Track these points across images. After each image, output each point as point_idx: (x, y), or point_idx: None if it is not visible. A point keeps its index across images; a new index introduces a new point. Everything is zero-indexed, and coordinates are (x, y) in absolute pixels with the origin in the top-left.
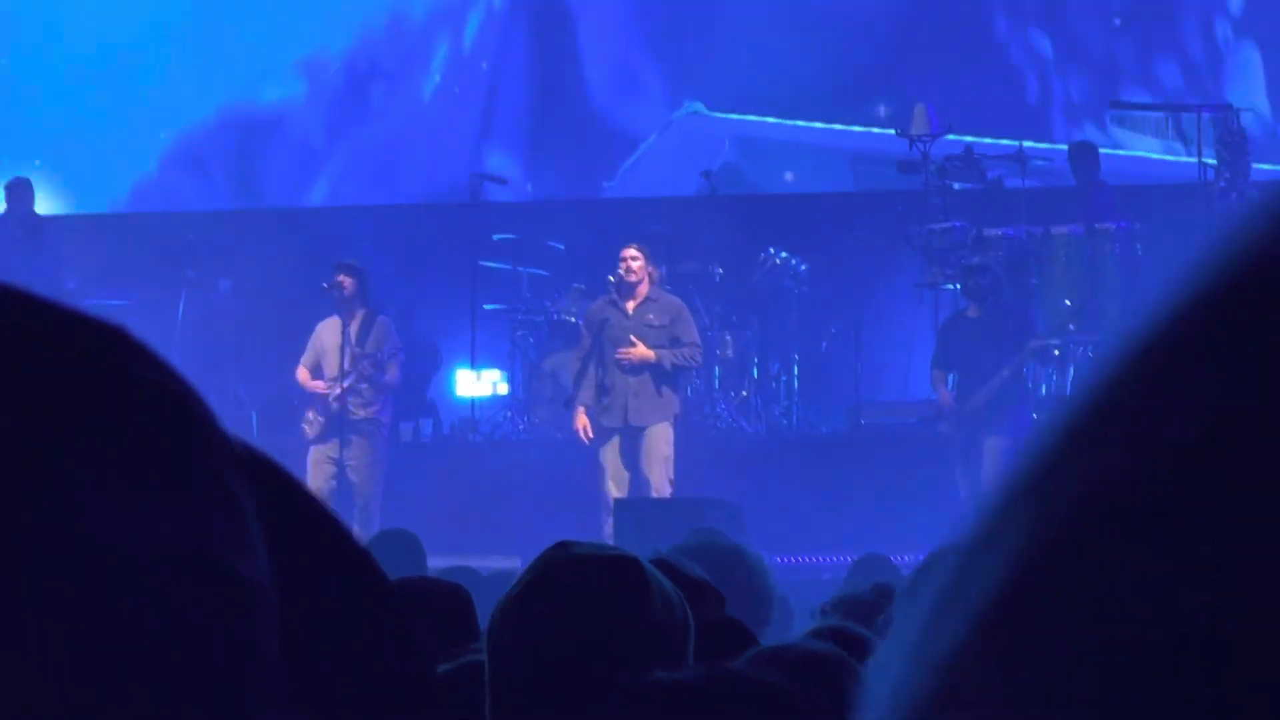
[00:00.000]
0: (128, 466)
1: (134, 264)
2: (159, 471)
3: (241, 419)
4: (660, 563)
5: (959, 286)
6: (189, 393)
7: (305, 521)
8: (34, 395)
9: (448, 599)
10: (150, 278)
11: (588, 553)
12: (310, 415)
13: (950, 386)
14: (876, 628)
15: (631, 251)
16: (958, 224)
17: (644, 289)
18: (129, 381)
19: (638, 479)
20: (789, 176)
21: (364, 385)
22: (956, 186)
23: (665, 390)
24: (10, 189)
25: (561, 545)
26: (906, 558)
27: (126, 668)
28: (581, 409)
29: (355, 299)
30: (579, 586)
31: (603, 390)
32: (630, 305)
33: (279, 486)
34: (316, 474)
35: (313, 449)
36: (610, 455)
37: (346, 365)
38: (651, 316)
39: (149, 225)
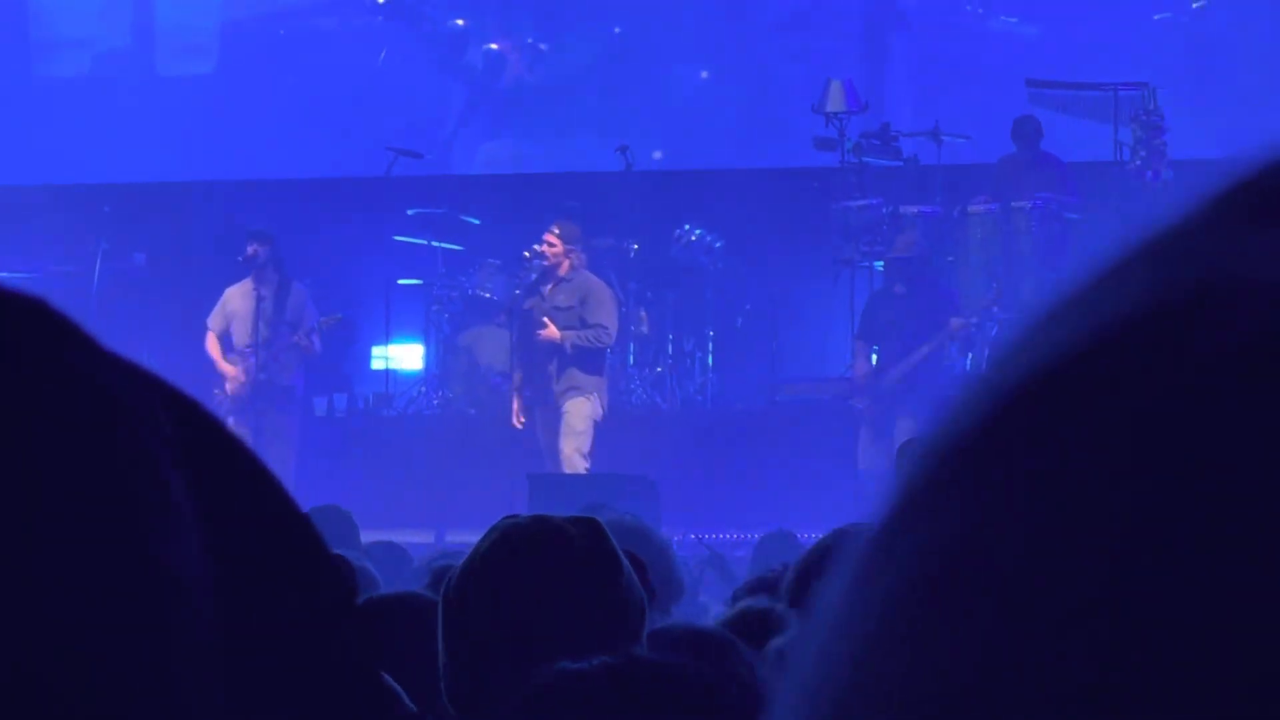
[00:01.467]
0: (43, 454)
1: (46, 236)
2: (77, 459)
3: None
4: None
5: (883, 264)
6: (113, 368)
7: (246, 485)
8: None
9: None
10: (64, 250)
11: (554, 521)
12: (226, 385)
13: (871, 360)
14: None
15: (550, 235)
16: (874, 201)
17: (563, 270)
18: (47, 363)
19: (553, 453)
20: (657, 155)
21: (284, 353)
22: (873, 164)
23: (579, 369)
24: None
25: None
26: (817, 534)
27: (49, 663)
28: (515, 395)
29: (269, 266)
30: (546, 554)
31: (527, 371)
32: (548, 288)
33: (221, 450)
34: None
35: (230, 416)
36: (541, 433)
37: (264, 332)
38: (562, 298)
39: (63, 197)
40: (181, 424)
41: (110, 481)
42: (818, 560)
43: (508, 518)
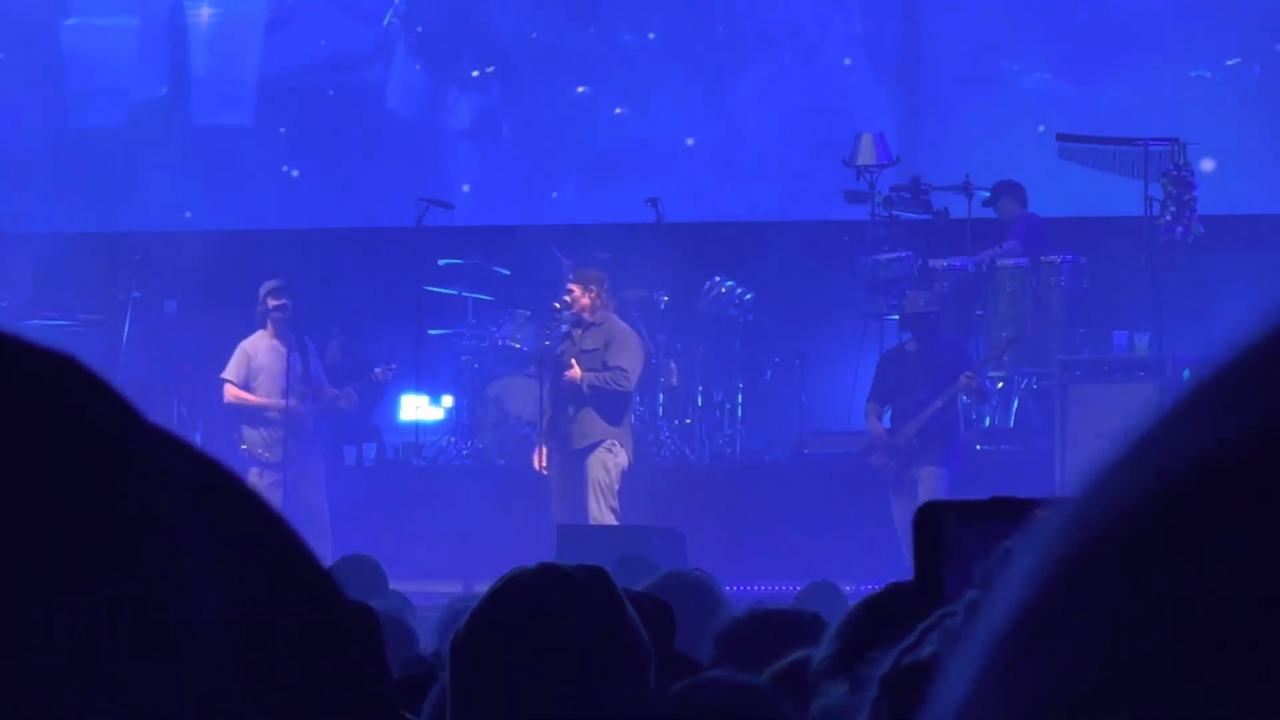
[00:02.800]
0: (63, 510)
1: (79, 283)
2: (95, 515)
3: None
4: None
5: (899, 322)
6: (137, 425)
7: (266, 543)
8: None
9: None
10: (95, 297)
11: (561, 569)
12: (259, 436)
13: (885, 419)
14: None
15: (575, 289)
16: (904, 254)
17: (589, 316)
18: (73, 418)
19: (580, 504)
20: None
21: (310, 405)
22: (903, 217)
23: (600, 416)
24: None
25: (528, 567)
26: (847, 586)
27: (59, 708)
28: (540, 442)
29: (289, 319)
30: (552, 600)
31: (553, 418)
32: (578, 333)
33: (240, 506)
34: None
35: (255, 469)
36: (556, 478)
37: (298, 385)
38: (589, 342)
39: (95, 245)
40: (204, 483)
41: (126, 535)
42: (869, 618)
43: (517, 568)
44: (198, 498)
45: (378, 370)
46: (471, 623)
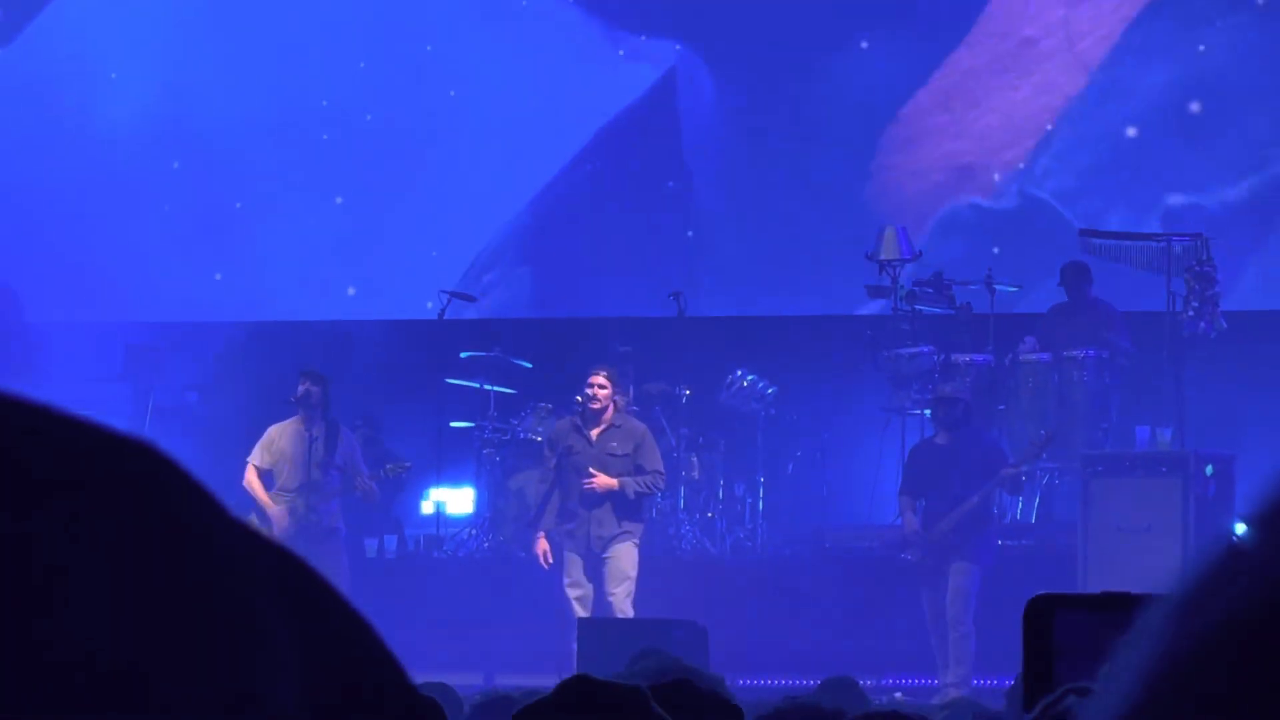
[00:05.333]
0: (151, 598)
1: (101, 372)
2: (183, 604)
3: None
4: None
5: (929, 413)
6: (219, 518)
7: (342, 634)
8: (58, 518)
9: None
10: (118, 385)
11: (603, 683)
12: (271, 525)
13: (918, 513)
14: None
15: (599, 379)
16: (925, 349)
17: (609, 415)
18: (158, 509)
19: (601, 598)
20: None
21: (334, 496)
22: (925, 311)
23: (627, 516)
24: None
25: (581, 677)
26: (869, 681)
27: None
28: (542, 534)
29: (319, 406)
30: (592, 713)
31: (565, 515)
32: (595, 432)
33: (317, 598)
34: None
35: None
36: (574, 576)
37: (316, 474)
38: (615, 445)
39: (117, 334)
40: (283, 574)
41: (211, 626)
42: None
43: (579, 677)
44: (278, 588)
45: (388, 467)
46: None
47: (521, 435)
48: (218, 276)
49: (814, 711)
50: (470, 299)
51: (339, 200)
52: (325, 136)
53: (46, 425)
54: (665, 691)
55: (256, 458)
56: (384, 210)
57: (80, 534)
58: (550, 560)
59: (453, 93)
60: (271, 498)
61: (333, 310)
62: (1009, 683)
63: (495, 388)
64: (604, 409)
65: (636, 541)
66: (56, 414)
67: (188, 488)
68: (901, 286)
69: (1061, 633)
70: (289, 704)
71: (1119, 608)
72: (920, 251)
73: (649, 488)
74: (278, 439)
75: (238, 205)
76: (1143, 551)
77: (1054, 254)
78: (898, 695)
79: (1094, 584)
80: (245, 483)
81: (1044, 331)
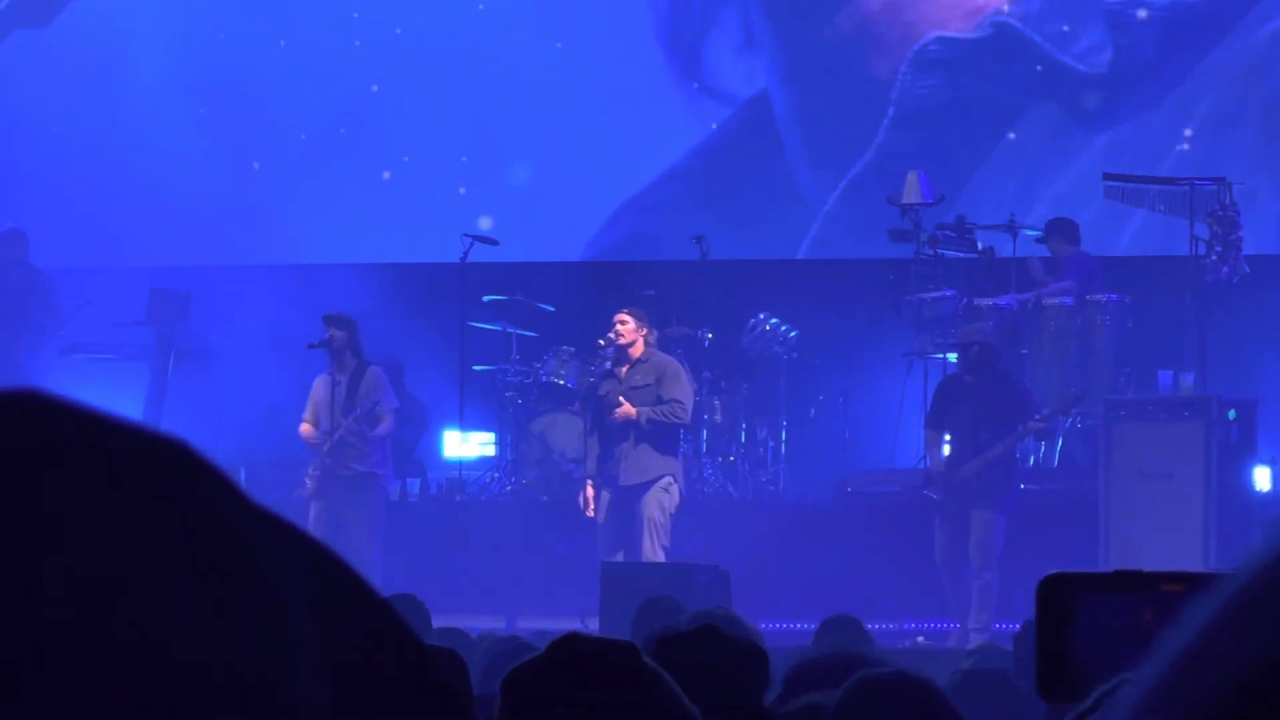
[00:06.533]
0: (177, 592)
1: (125, 316)
2: (210, 596)
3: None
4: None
5: (955, 356)
6: (248, 512)
7: (362, 616)
8: (88, 516)
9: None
10: (142, 330)
11: (592, 642)
12: (310, 470)
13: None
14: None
15: (621, 316)
16: (948, 293)
17: (636, 351)
18: (184, 508)
19: (631, 541)
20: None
21: (353, 438)
22: (947, 255)
23: (654, 450)
24: (4, 239)
25: (571, 634)
26: (890, 625)
27: None
28: (589, 482)
29: (345, 351)
30: (581, 672)
31: (602, 456)
32: (623, 370)
33: (337, 580)
34: (315, 531)
35: (312, 504)
36: (606, 516)
37: (336, 417)
38: (638, 378)
39: (140, 278)
40: (310, 565)
41: (237, 615)
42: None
43: (565, 637)
44: (300, 575)
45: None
46: (509, 685)
47: (544, 379)
48: (240, 221)
49: (826, 668)
50: (493, 242)
51: (352, 137)
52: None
53: (87, 427)
54: (688, 639)
55: (306, 412)
56: (404, 152)
57: (118, 529)
58: (593, 510)
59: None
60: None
61: (355, 254)
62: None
63: (517, 331)
64: (630, 344)
65: (670, 483)
66: (97, 417)
67: (210, 479)
68: (924, 230)
69: (1076, 611)
70: (312, 688)
71: (1134, 587)
72: (943, 195)
73: (664, 415)
74: (315, 389)
75: (255, 166)
76: (1164, 496)
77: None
78: (919, 639)
79: (1115, 529)
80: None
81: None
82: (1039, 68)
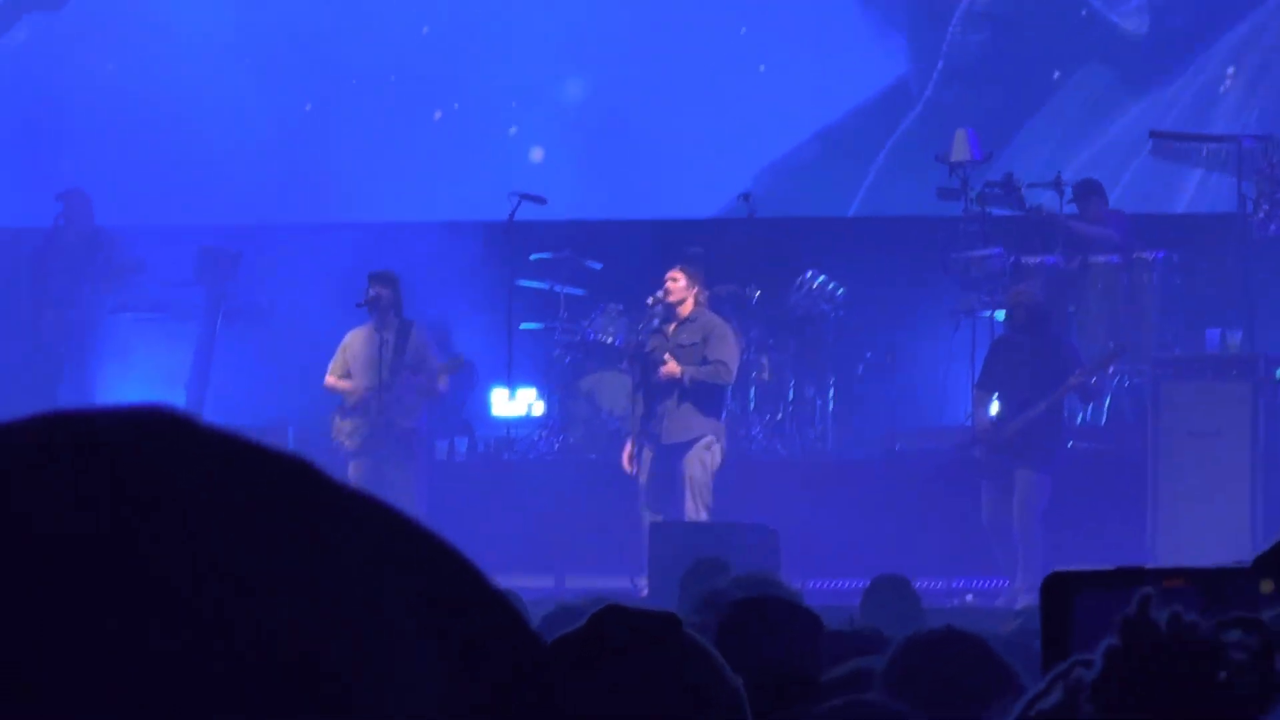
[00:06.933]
0: (279, 596)
1: (174, 275)
2: (308, 590)
3: (278, 433)
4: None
5: (1002, 315)
6: (369, 518)
7: (490, 624)
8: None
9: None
10: (192, 290)
11: (633, 616)
12: (348, 426)
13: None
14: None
15: (673, 274)
16: (996, 251)
17: (685, 310)
18: (307, 522)
19: (674, 500)
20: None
21: (409, 395)
22: (995, 213)
23: (697, 410)
24: (68, 200)
25: (612, 607)
26: (939, 583)
27: None
28: (630, 438)
29: (390, 309)
30: (623, 645)
31: (646, 414)
32: (671, 328)
33: (428, 554)
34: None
35: (353, 461)
36: (646, 475)
37: (386, 375)
38: (685, 336)
39: (190, 236)
40: (427, 566)
41: (335, 610)
42: (930, 652)
43: (610, 607)
44: (399, 559)
45: (441, 364)
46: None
47: (591, 337)
48: (290, 178)
49: (870, 637)
50: (540, 200)
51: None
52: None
53: (213, 445)
54: (742, 607)
55: (332, 366)
56: (454, 99)
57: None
58: (633, 466)
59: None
60: (350, 403)
61: (404, 210)
62: None
63: (565, 289)
64: (680, 302)
65: (712, 442)
66: (223, 434)
67: (327, 494)
68: (971, 188)
69: (1078, 607)
70: (417, 668)
71: (1136, 582)
72: (990, 153)
73: (708, 376)
74: (351, 344)
75: (308, 107)
76: (1211, 454)
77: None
78: (968, 598)
79: (1162, 487)
80: (326, 384)
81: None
82: (1086, 23)
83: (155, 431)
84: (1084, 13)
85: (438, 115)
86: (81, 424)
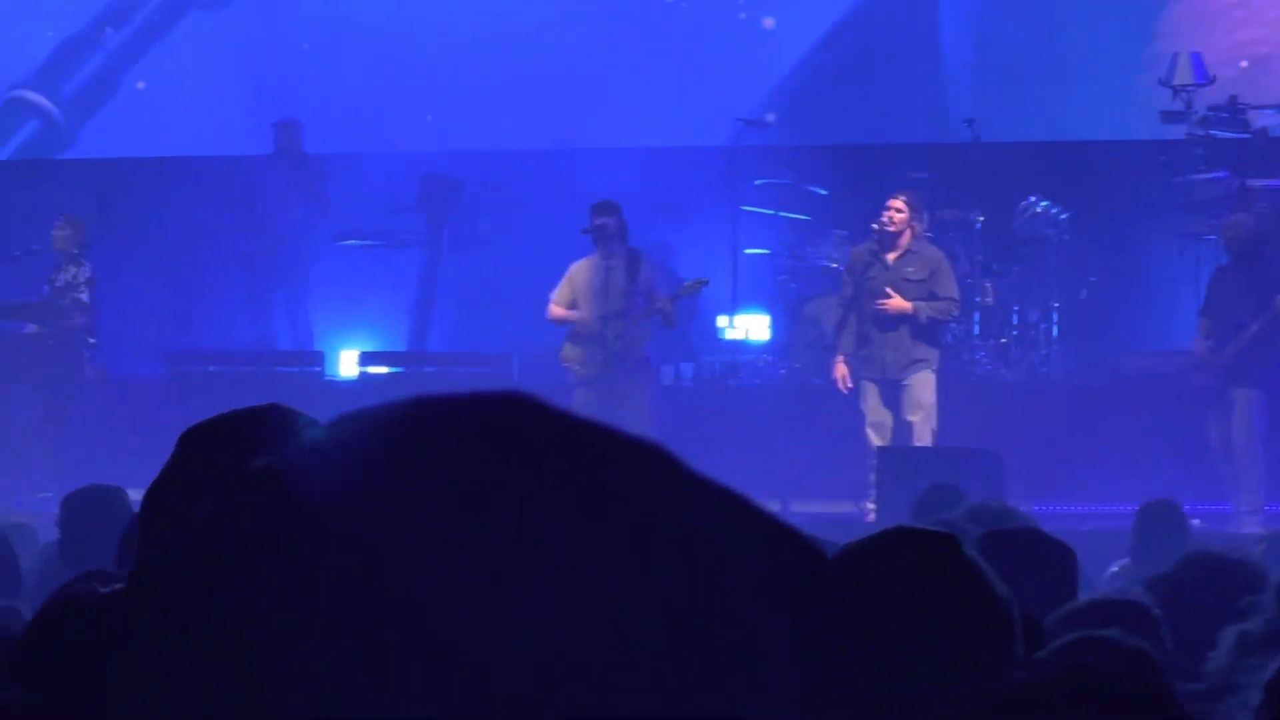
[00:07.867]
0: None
1: (395, 202)
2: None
3: (503, 362)
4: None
5: (1220, 239)
6: (712, 506)
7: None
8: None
9: None
10: (411, 216)
11: (919, 533)
12: (580, 353)
13: (1209, 336)
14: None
15: (897, 203)
16: (1221, 175)
17: (905, 240)
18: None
19: (899, 426)
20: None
21: (642, 321)
22: (1219, 136)
23: (922, 342)
24: (279, 129)
25: (901, 529)
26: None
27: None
28: (840, 358)
29: (616, 237)
30: (909, 562)
31: (862, 340)
32: (891, 256)
33: (811, 568)
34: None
35: (582, 388)
36: (871, 404)
37: (619, 302)
38: (910, 270)
39: (412, 164)
40: (773, 552)
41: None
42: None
43: (900, 530)
44: (747, 541)
45: (685, 285)
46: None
47: (817, 262)
48: (510, 107)
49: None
50: (765, 125)
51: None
52: None
53: (567, 429)
54: (1004, 538)
55: (557, 295)
56: (676, 31)
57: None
58: (849, 385)
59: None
60: (584, 332)
61: (623, 138)
62: None
63: (790, 214)
64: (900, 232)
65: (934, 369)
66: (575, 420)
67: (685, 482)
68: (1195, 112)
69: None
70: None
71: None
72: (1215, 76)
73: (942, 314)
74: (576, 274)
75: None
76: None
77: None
78: (1195, 522)
79: None
80: (549, 316)
81: None
82: None
83: (522, 422)
84: None
85: None
86: (460, 409)
